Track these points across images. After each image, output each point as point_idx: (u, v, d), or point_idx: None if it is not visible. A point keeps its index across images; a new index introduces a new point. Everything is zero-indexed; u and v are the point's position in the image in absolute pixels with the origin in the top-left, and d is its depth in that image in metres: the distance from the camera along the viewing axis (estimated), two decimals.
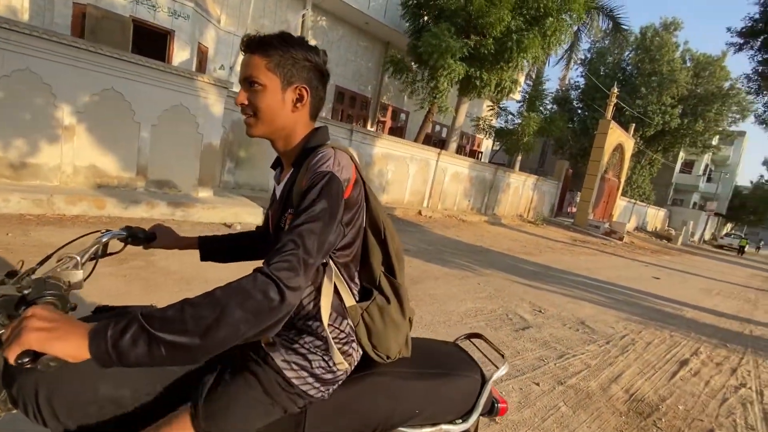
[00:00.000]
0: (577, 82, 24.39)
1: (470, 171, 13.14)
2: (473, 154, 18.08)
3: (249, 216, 5.94)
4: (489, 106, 14.74)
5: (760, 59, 11.76)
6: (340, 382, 0.91)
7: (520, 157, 16.95)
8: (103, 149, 5.18)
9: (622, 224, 17.26)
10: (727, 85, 23.49)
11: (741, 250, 25.98)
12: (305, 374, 0.85)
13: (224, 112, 6.29)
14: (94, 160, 5.14)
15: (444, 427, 1.02)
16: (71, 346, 0.57)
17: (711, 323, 5.36)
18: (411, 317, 1.03)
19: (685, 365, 3.54)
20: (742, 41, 12.02)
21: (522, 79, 14.14)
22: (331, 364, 0.87)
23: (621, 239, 15.96)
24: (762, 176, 55.01)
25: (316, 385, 0.86)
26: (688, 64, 23.70)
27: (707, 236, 35.12)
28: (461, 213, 12.52)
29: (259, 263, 0.72)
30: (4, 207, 4.12)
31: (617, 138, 17.86)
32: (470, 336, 1.32)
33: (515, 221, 14.93)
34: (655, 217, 27.67)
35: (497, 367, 1.12)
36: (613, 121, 16.97)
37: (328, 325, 0.87)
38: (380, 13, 12.35)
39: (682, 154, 29.54)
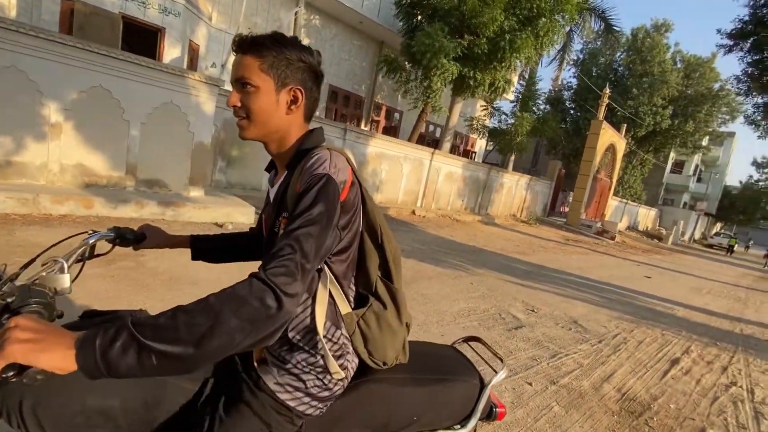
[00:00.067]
0: (570, 82, 24.63)
1: (464, 171, 13.16)
2: (467, 153, 18.12)
3: (241, 216, 5.88)
4: (482, 106, 14.78)
5: (750, 61, 11.90)
6: (337, 396, 0.88)
7: (513, 157, 17.02)
8: (92, 148, 5.09)
9: (613, 224, 17.40)
10: (716, 86, 23.82)
11: (730, 249, 26.33)
12: (300, 394, 0.83)
13: (216, 111, 6.22)
14: (82, 158, 5.05)
15: None
16: (58, 358, 0.55)
17: (702, 322, 5.41)
18: (408, 323, 1.00)
19: (677, 364, 3.56)
20: (731, 43, 12.16)
21: (515, 79, 14.21)
22: (326, 381, 0.84)
23: (613, 239, 16.09)
24: (751, 176, 55.80)
25: (313, 403, 0.84)
26: (679, 66, 23.98)
27: (697, 236, 35.56)
28: (455, 213, 12.53)
29: (251, 265, 0.69)
30: None
31: (609, 138, 18.01)
32: (468, 339, 1.30)
33: (508, 221, 14.99)
34: (647, 216, 27.96)
35: (495, 371, 1.10)
36: (605, 122, 17.11)
37: (323, 335, 0.84)
38: (374, 12, 12.31)
39: (672, 155, 29.88)
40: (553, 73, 28.00)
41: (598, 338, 3.85)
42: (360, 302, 0.93)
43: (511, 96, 15.30)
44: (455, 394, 1.02)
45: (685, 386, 3.11)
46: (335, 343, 0.87)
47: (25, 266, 0.83)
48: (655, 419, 2.50)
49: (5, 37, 4.24)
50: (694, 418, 2.61)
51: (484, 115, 14.78)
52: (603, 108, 17.26)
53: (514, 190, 16.00)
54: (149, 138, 5.47)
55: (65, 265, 0.84)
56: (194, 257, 1.20)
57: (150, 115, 5.41)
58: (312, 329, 0.84)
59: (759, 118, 14.05)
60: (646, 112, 21.89)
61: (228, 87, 6.84)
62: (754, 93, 12.98)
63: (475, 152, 18.82)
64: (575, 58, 23.09)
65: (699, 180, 35.57)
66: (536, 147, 26.33)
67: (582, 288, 6.12)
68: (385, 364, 0.93)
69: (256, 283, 0.64)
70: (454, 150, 16.57)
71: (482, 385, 1.06)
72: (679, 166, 33.15)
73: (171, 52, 8.14)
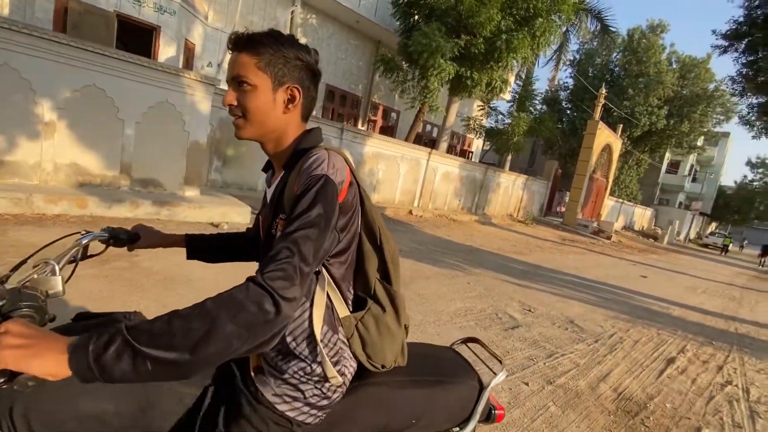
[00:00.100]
0: (566, 82, 24.70)
1: (461, 170, 13.17)
2: (464, 153, 18.14)
3: (237, 216, 5.85)
4: (479, 105, 14.80)
5: (744, 61, 11.98)
6: (336, 402, 0.87)
7: (510, 157, 17.07)
8: (86, 147, 5.05)
9: (610, 223, 17.48)
10: (711, 86, 23.99)
11: (725, 249, 26.52)
12: (299, 404, 0.81)
13: (212, 110, 6.19)
14: (76, 157, 5.01)
15: None
16: (50, 364, 0.54)
17: (697, 321, 5.43)
18: (407, 325, 0.99)
19: (672, 363, 3.57)
20: (726, 44, 12.23)
21: (512, 79, 14.23)
22: (325, 390, 0.83)
23: (609, 238, 16.15)
24: (745, 176, 56.27)
25: (312, 412, 0.82)
26: (674, 66, 24.12)
27: (692, 235, 35.80)
28: (452, 212, 12.54)
29: (248, 264, 0.68)
30: None
31: (605, 138, 18.08)
32: (467, 340, 1.29)
33: (505, 221, 15.01)
34: (642, 216, 28.10)
35: (494, 373, 1.09)
36: (601, 122, 17.18)
37: (320, 341, 0.83)
38: (371, 11, 12.29)
39: (668, 155, 30.03)
40: (550, 74, 28.10)
41: (594, 338, 3.86)
42: (358, 305, 0.91)
43: (507, 96, 15.33)
44: (454, 397, 1.01)
45: (681, 385, 3.12)
46: (332, 347, 0.85)
47: (15, 268, 0.81)
48: (651, 419, 2.50)
49: None
50: (689, 418, 2.62)
51: (481, 115, 14.79)
52: (599, 108, 17.33)
53: (511, 190, 16.03)
54: (144, 137, 5.43)
55: (57, 267, 0.82)
56: (189, 257, 1.19)
57: (145, 114, 5.37)
58: (309, 334, 0.82)
59: (753, 118, 14.15)
60: (641, 112, 22.00)
61: (224, 86, 6.80)
62: (748, 93, 13.07)
63: (472, 152, 18.85)
64: (572, 58, 23.19)
65: (694, 180, 35.77)
66: (533, 147, 26.39)
67: (578, 288, 6.13)
68: (383, 367, 0.92)
69: (253, 288, 0.63)
70: (451, 150, 16.56)
71: (481, 387, 1.05)
72: (674, 166, 33.33)
73: (166, 51, 8.10)
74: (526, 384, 2.63)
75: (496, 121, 15.91)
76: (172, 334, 0.57)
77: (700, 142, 28.18)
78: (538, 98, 18.46)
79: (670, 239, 24.46)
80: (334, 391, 0.84)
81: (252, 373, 0.85)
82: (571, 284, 6.28)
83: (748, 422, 2.72)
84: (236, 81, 0.82)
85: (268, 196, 0.94)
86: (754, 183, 40.57)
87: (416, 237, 7.80)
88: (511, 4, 10.52)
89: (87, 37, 5.66)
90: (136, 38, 7.99)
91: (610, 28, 16.48)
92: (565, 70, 24.21)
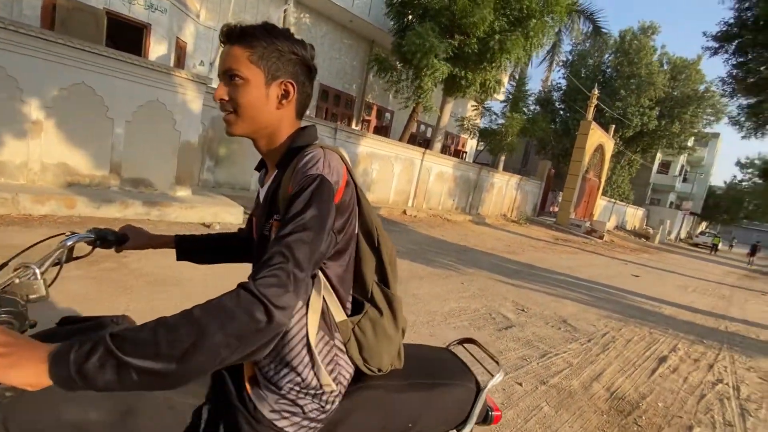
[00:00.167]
0: (559, 83, 24.84)
1: (455, 170, 13.19)
2: (458, 153, 18.17)
3: (229, 216, 5.79)
4: (473, 106, 14.84)
5: (734, 63, 12.09)
6: (333, 411, 0.85)
7: (503, 157, 17.12)
8: (74, 146, 4.97)
9: (602, 223, 17.61)
10: (702, 87, 24.25)
11: (714, 248, 26.84)
12: (298, 419, 0.79)
13: (203, 109, 6.13)
14: (64, 157, 4.93)
15: None
16: (29, 374, 0.51)
17: (688, 320, 5.48)
18: (404, 328, 0.97)
19: (664, 362, 3.59)
20: (717, 45, 12.33)
21: (505, 79, 14.30)
22: (323, 402, 0.81)
23: (601, 238, 16.27)
24: (735, 177, 57.08)
25: (312, 425, 0.80)
26: (666, 67, 24.34)
27: (683, 235, 36.21)
28: (446, 212, 12.55)
29: (238, 266, 0.65)
30: None
31: (598, 139, 18.22)
32: (463, 341, 1.27)
33: (499, 220, 15.07)
34: (634, 216, 28.38)
35: (491, 374, 1.08)
36: (593, 122, 17.30)
37: (315, 345, 0.80)
38: (364, 11, 12.27)
39: (659, 155, 30.34)
40: (543, 74, 28.26)
41: (587, 337, 3.87)
42: (355, 308, 0.89)
43: (501, 96, 15.40)
44: (451, 399, 1.00)
45: (673, 384, 3.14)
46: (327, 353, 0.82)
47: None
48: (643, 418, 2.51)
49: None
50: (681, 416, 2.63)
51: (475, 116, 14.83)
52: (592, 109, 17.45)
53: (505, 190, 16.09)
54: (134, 136, 5.36)
55: (38, 271, 0.79)
56: (179, 258, 1.15)
57: (135, 113, 5.29)
58: (303, 339, 0.80)
59: (743, 119, 14.31)
60: (633, 113, 22.20)
61: (216, 85, 6.74)
62: (738, 94, 13.20)
63: (466, 152, 18.89)
64: (564, 59, 23.32)
65: (685, 180, 36.18)
66: (526, 147, 26.51)
67: (571, 287, 6.16)
68: (380, 370, 0.90)
69: (244, 295, 0.60)
70: (445, 150, 16.60)
71: (478, 389, 1.03)
72: (665, 167, 33.69)
73: (157, 49, 8.00)
74: (520, 384, 2.63)
75: (490, 122, 15.97)
76: (158, 343, 0.54)
77: (690, 143, 28.47)
78: (532, 99, 18.57)
79: (662, 239, 24.72)
80: (332, 403, 0.83)
81: (247, 385, 0.82)
82: (564, 284, 6.31)
83: (739, 420, 2.74)
84: (228, 75, 0.79)
85: (261, 196, 0.91)
86: (744, 183, 41.09)
87: (410, 237, 7.79)
88: (505, 5, 10.56)
89: (76, 35, 5.57)
90: (126, 36, 7.89)
91: (602, 30, 16.63)
92: (558, 70, 24.36)
